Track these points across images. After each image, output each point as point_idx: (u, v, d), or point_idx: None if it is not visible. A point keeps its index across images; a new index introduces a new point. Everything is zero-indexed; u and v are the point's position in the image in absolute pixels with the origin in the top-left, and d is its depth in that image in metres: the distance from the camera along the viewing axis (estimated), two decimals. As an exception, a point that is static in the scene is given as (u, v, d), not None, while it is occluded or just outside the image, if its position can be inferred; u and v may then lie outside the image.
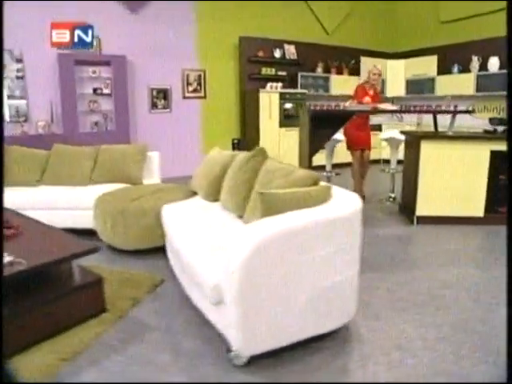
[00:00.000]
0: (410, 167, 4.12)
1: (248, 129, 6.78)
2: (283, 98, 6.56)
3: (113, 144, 4.33)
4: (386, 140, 4.78)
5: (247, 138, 6.78)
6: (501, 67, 6.38)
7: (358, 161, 4.65)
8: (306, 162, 3.60)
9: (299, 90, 6.85)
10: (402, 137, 4.53)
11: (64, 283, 2.14)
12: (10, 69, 5.34)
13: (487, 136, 3.94)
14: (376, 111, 4.21)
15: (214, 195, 3.02)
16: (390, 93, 8.02)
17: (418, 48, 7.54)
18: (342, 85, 7.50)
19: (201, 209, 2.88)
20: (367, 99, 4.26)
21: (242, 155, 2.88)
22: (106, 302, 2.25)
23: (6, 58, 5.28)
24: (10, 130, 5.28)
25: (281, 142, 6.57)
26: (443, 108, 4.35)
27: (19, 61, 5.39)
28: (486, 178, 3.85)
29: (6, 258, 1.97)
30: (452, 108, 4.29)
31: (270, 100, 6.44)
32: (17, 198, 3.48)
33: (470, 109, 6.50)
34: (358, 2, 7.75)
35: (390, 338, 2.05)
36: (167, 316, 2.26)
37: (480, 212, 3.92)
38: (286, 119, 6.62)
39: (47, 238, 2.43)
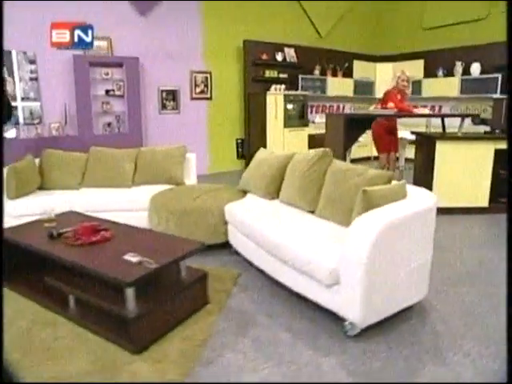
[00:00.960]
0: (423, 164, 4.64)
1: (252, 129, 7.07)
2: (287, 99, 6.92)
3: (126, 145, 4.52)
4: (396, 140, 5.29)
5: (251, 137, 7.08)
6: (482, 72, 7.13)
7: (385, 162, 5.09)
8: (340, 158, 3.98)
9: (301, 92, 7.24)
10: (412, 137, 5.06)
11: (179, 279, 2.37)
12: (24, 70, 5.30)
13: (491, 136, 4.53)
14: (401, 115, 4.67)
15: (272, 194, 3.33)
16: (378, 93, 8.63)
17: (406, 52, 8.17)
18: (337, 86, 8.00)
19: (267, 206, 3.17)
20: (390, 105, 4.71)
21: (301, 156, 3.21)
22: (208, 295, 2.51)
23: (20, 59, 5.23)
24: (24, 133, 5.25)
25: (285, 141, 6.93)
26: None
27: (33, 62, 5.34)
28: (490, 172, 4.44)
29: (134, 258, 2.18)
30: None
31: (275, 101, 6.78)
32: (62, 202, 3.59)
33: (454, 111, 7.26)
34: (348, 8, 8.26)
35: (457, 307, 2.49)
36: (263, 303, 2.55)
37: (485, 202, 4.51)
38: (289, 120, 6.99)
39: (144, 237, 2.65)
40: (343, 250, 2.07)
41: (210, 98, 6.87)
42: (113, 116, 5.97)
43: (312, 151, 3.11)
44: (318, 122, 7.68)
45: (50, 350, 2.07)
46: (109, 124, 5.96)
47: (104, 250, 2.38)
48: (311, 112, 7.74)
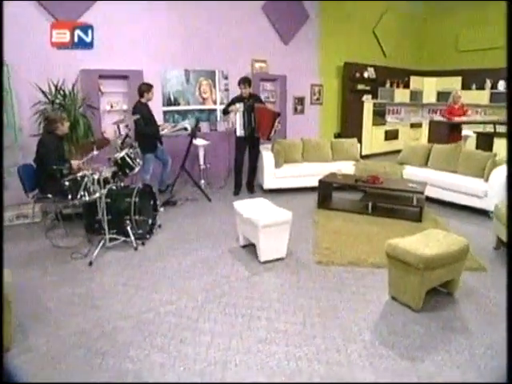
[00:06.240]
0: (484, 150, 8.30)
1: (348, 126, 10.55)
2: (374, 105, 10.48)
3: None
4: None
5: (346, 132, 10.56)
6: (506, 88, 10.89)
7: None
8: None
9: (382, 100, 10.82)
10: (472, 134, 8.71)
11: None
12: (221, 83, 8.53)
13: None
14: (470, 122, 8.31)
15: (423, 164, 6.85)
16: (425, 100, 12.33)
17: (447, 70, 11.83)
18: (400, 95, 11.60)
19: (424, 169, 6.69)
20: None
21: (440, 146, 6.75)
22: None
23: (219, 76, 8.44)
24: (220, 126, 8.48)
25: (373, 134, 10.52)
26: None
27: (226, 78, 8.57)
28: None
29: (413, 185, 5.64)
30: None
31: (368, 107, 10.32)
32: (305, 169, 7.00)
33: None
34: (403, 34, 11.86)
35: None
36: (443, 210, 6.07)
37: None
38: (375, 119, 10.57)
39: (390, 181, 6.07)
40: (490, 181, 5.62)
41: (322, 104, 10.29)
42: (268, 116, 9.26)
43: (448, 145, 6.70)
44: (389, 122, 11.29)
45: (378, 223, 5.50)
46: (265, 121, 9.25)
47: (396, 184, 5.84)
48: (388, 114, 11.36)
